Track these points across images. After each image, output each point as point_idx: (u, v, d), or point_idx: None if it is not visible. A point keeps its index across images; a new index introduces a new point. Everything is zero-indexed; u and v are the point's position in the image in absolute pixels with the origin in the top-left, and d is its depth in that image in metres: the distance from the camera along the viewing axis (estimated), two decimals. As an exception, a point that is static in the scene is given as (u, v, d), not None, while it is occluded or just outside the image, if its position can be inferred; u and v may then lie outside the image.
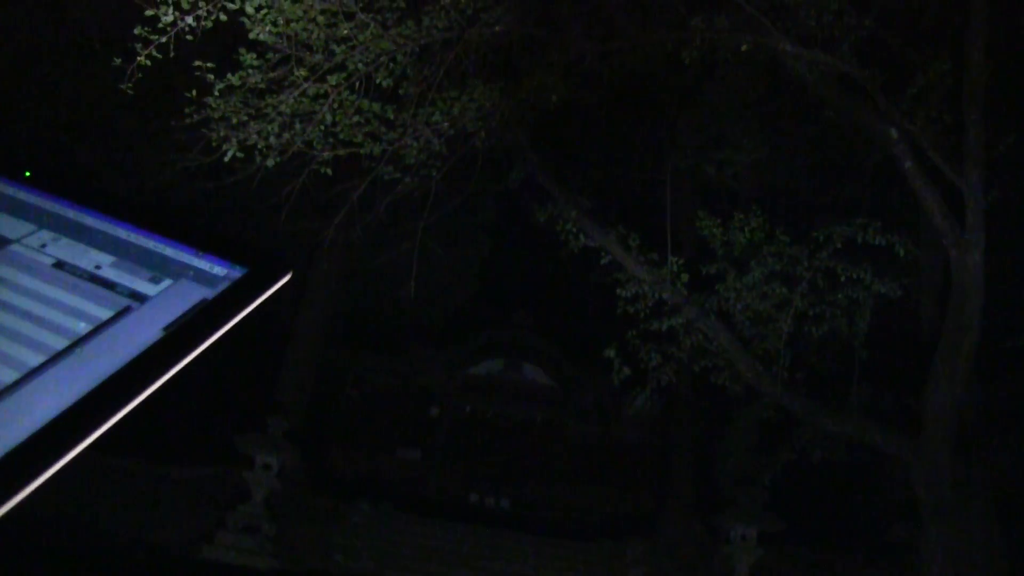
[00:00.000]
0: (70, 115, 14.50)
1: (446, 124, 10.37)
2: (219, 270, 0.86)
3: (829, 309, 11.40)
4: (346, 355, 20.42)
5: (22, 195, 0.91)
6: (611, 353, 11.58)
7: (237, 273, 0.86)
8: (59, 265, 0.85)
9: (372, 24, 9.39)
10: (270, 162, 9.68)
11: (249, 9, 8.64)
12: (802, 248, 11.19)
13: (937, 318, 11.53)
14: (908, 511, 12.25)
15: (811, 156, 14.57)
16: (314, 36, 9.25)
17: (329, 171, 10.11)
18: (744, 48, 10.59)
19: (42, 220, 0.89)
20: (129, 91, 8.46)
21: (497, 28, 10.43)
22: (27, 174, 0.93)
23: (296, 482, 16.60)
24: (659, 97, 15.28)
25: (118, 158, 14.72)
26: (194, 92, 8.91)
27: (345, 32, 9.36)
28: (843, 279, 11.03)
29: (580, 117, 15.72)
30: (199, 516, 15.31)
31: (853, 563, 16.54)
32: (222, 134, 9.37)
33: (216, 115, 9.26)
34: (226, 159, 9.47)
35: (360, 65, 9.61)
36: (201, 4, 8.45)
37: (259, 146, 9.58)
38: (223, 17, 8.55)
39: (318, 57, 9.43)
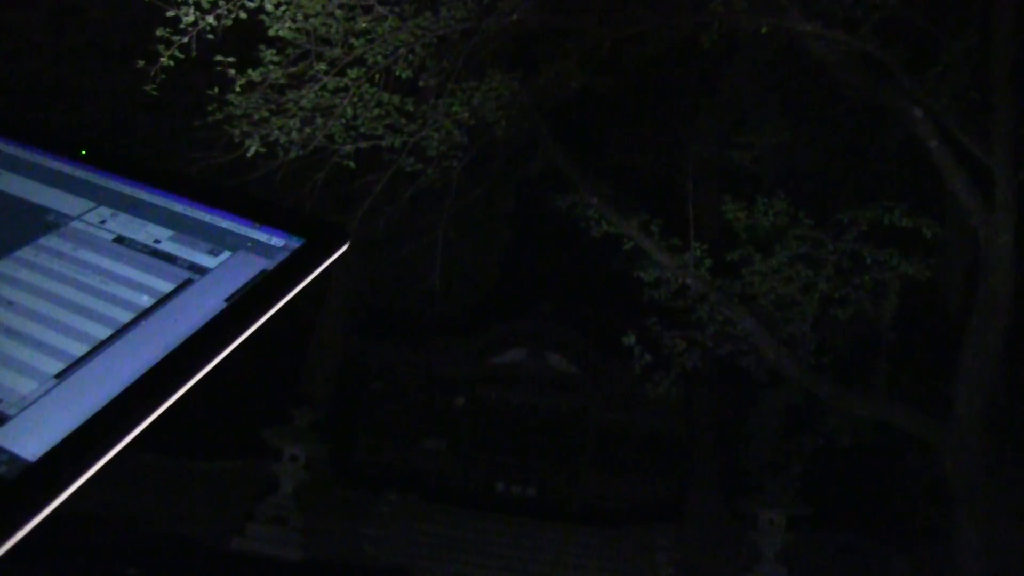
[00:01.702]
0: (91, 117, 14.59)
1: (466, 114, 10.37)
2: (277, 241, 0.86)
3: (855, 292, 11.33)
4: (370, 347, 20.48)
5: (79, 173, 0.93)
6: (630, 340, 11.56)
7: (295, 243, 0.86)
8: (119, 240, 0.85)
9: (390, 16, 9.41)
10: (292, 156, 9.72)
11: (268, 6, 8.69)
12: (827, 231, 11.12)
13: (966, 298, 11.44)
14: (938, 494, 12.19)
15: (834, 138, 14.47)
16: (333, 30, 9.28)
17: (351, 164, 10.14)
18: (764, 30, 10.53)
19: (100, 197, 0.91)
20: (154, 93, 8.53)
21: (514, 17, 10.41)
22: (83, 152, 0.95)
23: (323, 474, 16.69)
24: (679, 82, 15.23)
25: (141, 158, 14.80)
26: (216, 89, 8.97)
27: (363, 25, 9.39)
28: (869, 261, 10.95)
29: (599, 104, 15.69)
30: (228, 509, 15.43)
31: (882, 548, 16.46)
32: (244, 130, 9.41)
33: (238, 112, 9.31)
34: (248, 155, 9.52)
35: (379, 58, 9.63)
36: (221, 3, 8.50)
37: (281, 141, 9.63)
38: (243, 15, 8.60)
39: (337, 51, 9.46)
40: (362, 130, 9.98)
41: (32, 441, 0.65)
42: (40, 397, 0.69)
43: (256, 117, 9.41)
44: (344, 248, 0.87)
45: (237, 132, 9.43)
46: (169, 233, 0.87)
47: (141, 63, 8.38)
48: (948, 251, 12.30)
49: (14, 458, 0.63)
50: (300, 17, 8.91)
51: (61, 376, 0.71)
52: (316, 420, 16.58)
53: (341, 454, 18.17)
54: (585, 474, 20.74)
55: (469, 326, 20.71)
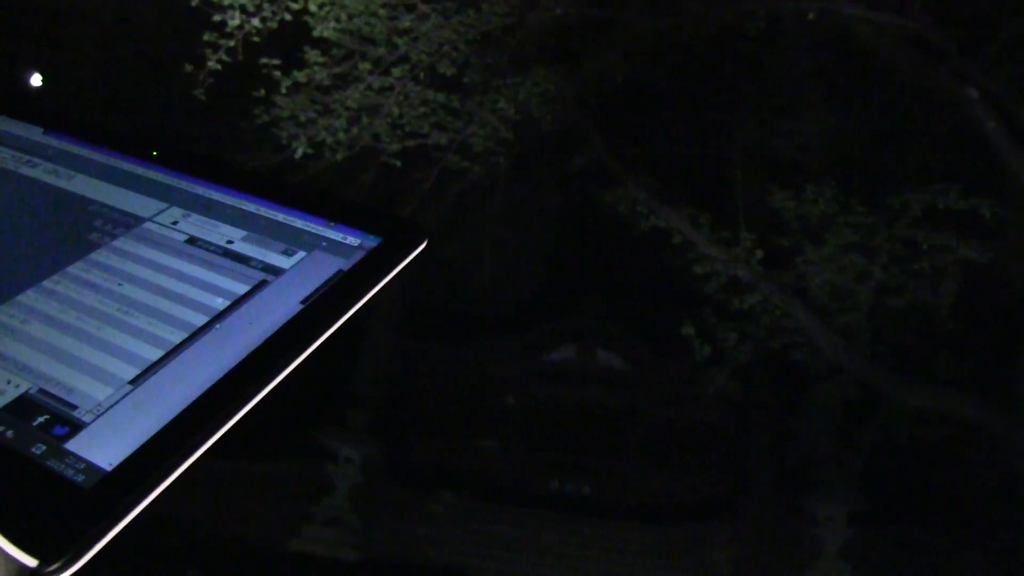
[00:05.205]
0: (141, 123, 14.82)
1: (511, 110, 10.36)
2: (352, 240, 0.84)
3: (911, 279, 11.10)
4: (421, 347, 20.56)
5: (151, 174, 0.93)
6: (689, 331, 11.45)
7: (371, 242, 0.84)
8: (192, 241, 0.84)
9: (433, 14, 9.45)
10: (339, 157, 9.78)
11: (312, 7, 8.79)
12: (879, 217, 10.91)
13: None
14: (1007, 488, 11.95)
15: (883, 123, 14.22)
16: (376, 30, 9.36)
17: (398, 163, 10.18)
18: (811, 16, 10.38)
19: (172, 197, 0.90)
20: (202, 97, 8.66)
21: (557, 11, 10.41)
22: (154, 153, 0.95)
23: (378, 475, 16.80)
24: (723, 71, 15.08)
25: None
26: (263, 92, 9.08)
27: (407, 24, 9.44)
28: (925, 247, 10.72)
29: (644, 96, 15.59)
30: (284, 511, 15.58)
31: (948, 543, 16.15)
32: (291, 132, 9.51)
33: (284, 114, 9.42)
34: (296, 156, 9.60)
35: (423, 56, 9.67)
36: (266, 6, 8.60)
37: (328, 142, 9.70)
38: (287, 17, 8.69)
39: (381, 50, 9.51)
40: (408, 128, 10.02)
41: (108, 449, 0.63)
42: (115, 404, 0.67)
43: (303, 118, 9.51)
44: (422, 247, 0.85)
45: (284, 134, 9.53)
46: (242, 233, 0.85)
47: (189, 68, 8.52)
48: (1009, 235, 12.00)
49: (91, 467, 0.62)
50: (344, 17, 9.00)
51: (136, 382, 0.69)
52: (370, 421, 16.69)
53: (395, 455, 18.27)
54: (639, 471, 20.64)
55: (519, 324, 20.71)
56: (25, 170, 0.94)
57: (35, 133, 0.98)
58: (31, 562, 0.56)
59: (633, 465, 20.98)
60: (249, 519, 15.08)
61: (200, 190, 0.90)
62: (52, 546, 0.57)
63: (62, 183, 0.92)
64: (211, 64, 8.45)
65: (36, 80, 12.45)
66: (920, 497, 16.60)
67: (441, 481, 17.84)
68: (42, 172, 0.93)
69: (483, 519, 17.16)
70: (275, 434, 16.01)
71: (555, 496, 19.73)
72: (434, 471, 19.13)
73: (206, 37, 8.41)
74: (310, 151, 9.62)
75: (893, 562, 16.06)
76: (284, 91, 9.22)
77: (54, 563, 0.56)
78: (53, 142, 0.97)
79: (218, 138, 12.00)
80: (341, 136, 9.68)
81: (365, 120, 9.78)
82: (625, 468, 20.87)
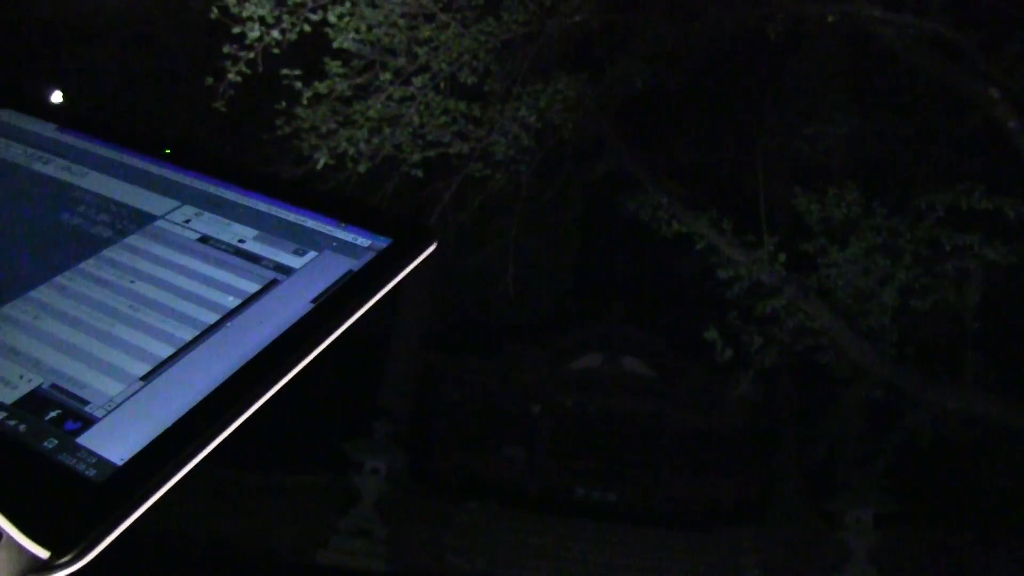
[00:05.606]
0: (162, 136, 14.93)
1: (533, 118, 10.34)
2: (363, 241, 0.85)
3: (935, 281, 11.00)
4: (445, 357, 20.55)
5: (164, 172, 0.93)
6: (712, 335, 11.38)
7: (381, 243, 0.84)
8: (204, 239, 0.84)
9: (453, 24, 9.45)
10: (361, 168, 9.79)
11: (332, 18, 8.80)
12: (903, 219, 10.82)
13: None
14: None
15: (905, 125, 14.12)
16: (396, 40, 9.36)
17: (420, 173, 10.18)
18: (831, 19, 10.32)
19: (185, 196, 0.90)
20: (222, 109, 8.69)
21: (577, 18, 10.39)
22: (167, 151, 0.95)
23: (404, 485, 16.80)
24: (745, 75, 15.02)
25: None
26: (284, 103, 9.10)
27: (427, 34, 9.45)
28: (948, 248, 10.62)
29: (665, 102, 15.55)
30: (312, 522, 15.60)
31: (976, 544, 15.96)
32: (313, 143, 9.52)
33: (306, 125, 9.43)
34: (318, 168, 9.61)
35: (443, 65, 9.67)
36: (285, 17, 8.62)
37: (350, 153, 9.70)
38: (307, 28, 8.72)
39: (401, 60, 9.53)
40: (429, 138, 10.02)
41: (119, 444, 0.64)
42: (127, 399, 0.68)
43: (324, 129, 9.52)
44: (432, 248, 0.85)
45: (306, 145, 9.54)
46: (254, 233, 0.86)
47: (209, 80, 8.55)
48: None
49: (102, 461, 0.63)
50: (363, 28, 9.00)
51: (147, 378, 0.69)
52: (396, 432, 16.70)
53: (421, 465, 18.27)
54: (665, 477, 20.52)
55: (543, 332, 20.65)
56: (38, 166, 0.94)
57: (48, 129, 0.98)
58: (43, 554, 0.56)
59: (659, 471, 20.84)
60: (277, 530, 15.12)
61: (212, 189, 0.91)
62: (63, 538, 0.57)
63: (75, 180, 0.92)
64: (231, 76, 8.48)
65: (56, 97, 12.60)
66: (947, 498, 16.40)
67: (467, 490, 17.82)
68: (55, 168, 0.94)
69: (509, 527, 17.13)
70: (302, 446, 16.10)
71: (581, 503, 19.65)
72: (460, 480, 19.10)
73: (226, 50, 8.43)
74: (331, 162, 9.63)
75: (921, 564, 15.88)
76: (305, 102, 9.24)
77: (65, 555, 0.56)
78: (66, 139, 0.97)
79: (239, 150, 12.08)
80: (363, 147, 9.68)
81: (387, 130, 9.77)
82: (651, 474, 20.74)
